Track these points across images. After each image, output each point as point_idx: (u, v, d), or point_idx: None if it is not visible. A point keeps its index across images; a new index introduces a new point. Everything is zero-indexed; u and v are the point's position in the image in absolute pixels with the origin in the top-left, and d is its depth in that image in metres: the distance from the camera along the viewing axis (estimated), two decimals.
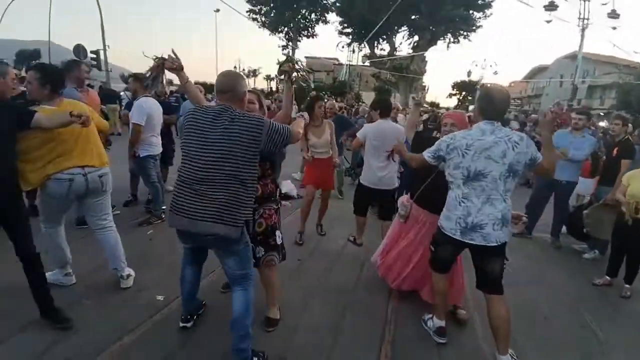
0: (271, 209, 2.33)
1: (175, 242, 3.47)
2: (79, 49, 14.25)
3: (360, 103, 17.77)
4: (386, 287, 2.98)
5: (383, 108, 3.61)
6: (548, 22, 18.28)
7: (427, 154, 2.23)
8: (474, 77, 26.81)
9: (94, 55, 15.72)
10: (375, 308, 2.71)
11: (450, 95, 39.86)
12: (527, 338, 2.50)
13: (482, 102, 2.10)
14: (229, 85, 1.92)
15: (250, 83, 50.59)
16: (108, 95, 12.08)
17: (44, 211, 2.58)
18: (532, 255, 4.07)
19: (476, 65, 25.67)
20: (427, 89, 51.05)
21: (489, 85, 2.17)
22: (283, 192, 5.49)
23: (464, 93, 32.08)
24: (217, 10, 27.84)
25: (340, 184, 5.67)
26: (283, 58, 2.45)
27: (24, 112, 2.18)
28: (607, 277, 3.39)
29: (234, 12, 20.43)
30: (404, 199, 2.88)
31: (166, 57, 2.20)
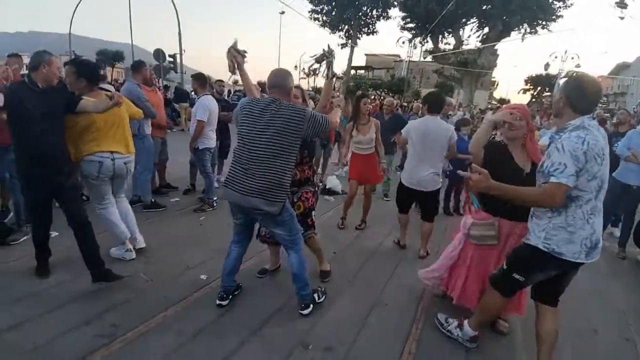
0: (309, 192, 2.67)
1: (223, 228, 3.87)
2: (159, 53, 15.83)
3: (416, 100, 17.16)
4: (418, 287, 2.91)
5: (432, 102, 3.36)
6: (621, 18, 17.07)
7: (568, 180, 1.60)
8: (552, 71, 24.14)
9: (172, 59, 17.38)
10: (405, 307, 2.66)
11: (524, 90, 36.46)
12: (571, 350, 2.32)
13: (572, 92, 1.73)
14: (279, 81, 2.25)
15: (310, 82, 51.79)
16: (181, 95, 13.36)
17: (90, 193, 3.04)
18: (593, 265, 3.61)
19: (555, 57, 23.06)
20: (497, 85, 47.27)
21: (580, 73, 1.88)
22: (327, 187, 5.60)
23: (539, 88, 29.07)
24: (282, 13, 28.77)
25: (386, 189, 5.57)
26: (335, 56, 2.59)
27: (73, 98, 2.59)
28: None
29: (297, 13, 21.05)
30: (470, 219, 2.37)
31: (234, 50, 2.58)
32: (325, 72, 2.56)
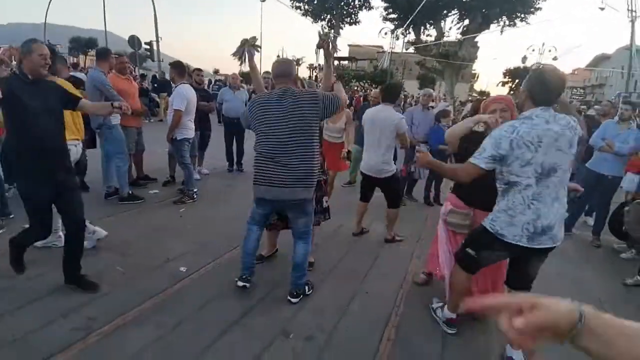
0: (321, 180, 2.80)
1: (203, 220, 3.83)
2: (134, 40, 15.22)
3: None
4: (399, 275, 2.99)
5: (385, 92, 3.53)
6: (601, 9, 17.76)
7: (480, 161, 1.78)
8: (530, 64, 24.74)
9: (148, 47, 16.78)
10: (385, 294, 2.72)
11: (503, 83, 37.31)
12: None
13: (534, 85, 1.79)
14: (287, 70, 2.34)
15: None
16: (162, 85, 12.84)
17: None
18: (567, 253, 3.80)
19: (533, 50, 23.63)
20: (477, 77, 48.15)
21: (541, 66, 1.91)
22: None
23: (517, 81, 29.82)
24: (264, 0, 28.13)
25: (354, 171, 5.55)
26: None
27: (71, 96, 2.45)
28: (638, 277, 3.18)
29: (279, 2, 20.63)
30: (449, 207, 2.48)
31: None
32: (325, 55, 2.54)
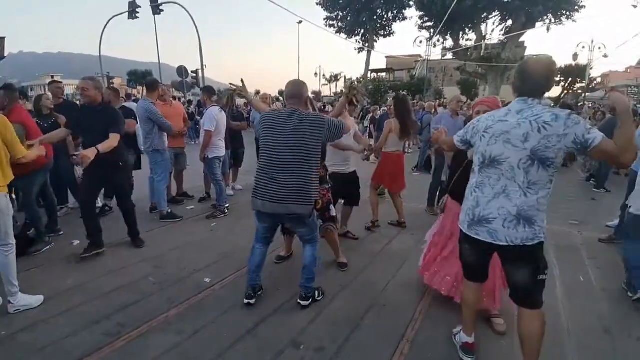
0: (324, 189, 2.95)
1: (232, 233, 4.00)
2: (182, 70, 16.58)
3: (438, 100, 16.83)
4: (420, 289, 2.88)
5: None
6: (634, 7, 16.27)
7: (456, 137, 2.03)
8: (582, 61, 22.83)
9: (194, 75, 18.14)
10: (403, 308, 2.63)
11: (557, 82, 34.74)
12: (578, 350, 2.20)
13: (516, 76, 1.76)
14: (298, 92, 2.41)
15: (332, 87, 52.01)
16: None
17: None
18: (613, 262, 3.42)
19: (583, 47, 21.82)
20: None
21: (528, 57, 1.79)
22: None
23: (570, 79, 27.56)
24: (300, 22, 29.20)
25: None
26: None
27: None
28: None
29: (312, 24, 21.35)
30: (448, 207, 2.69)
31: (237, 85, 3.16)
32: (345, 100, 2.96)
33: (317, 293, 2.68)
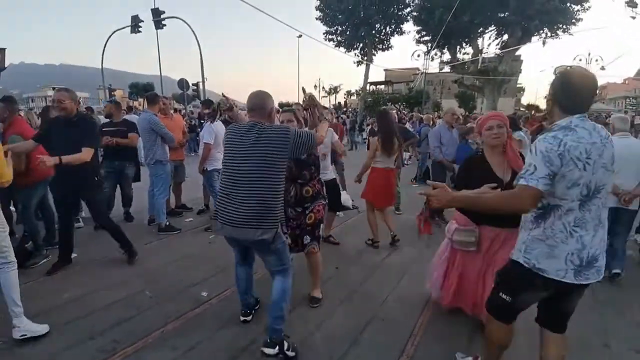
0: (320, 205, 2.75)
1: (230, 247, 3.98)
2: (183, 83, 16.77)
3: (436, 112, 17.01)
4: (419, 303, 2.85)
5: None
6: (633, 18, 16.61)
7: (537, 182, 1.44)
8: None
9: (195, 87, 18.33)
10: (402, 323, 2.60)
11: None
12: None
13: (559, 90, 1.55)
14: (258, 104, 2.18)
15: (332, 99, 52.49)
16: None
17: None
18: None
19: (580, 60, 22.16)
20: (523, 91, 45.93)
21: (568, 68, 1.67)
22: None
23: None
24: (300, 36, 29.64)
25: (397, 201, 5.49)
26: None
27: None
28: None
29: (311, 38, 21.67)
30: (454, 226, 2.44)
31: (222, 99, 3.15)
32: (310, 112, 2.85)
33: (287, 344, 2.17)
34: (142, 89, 38.63)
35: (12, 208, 4.32)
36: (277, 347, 2.14)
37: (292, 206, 2.68)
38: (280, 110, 3.19)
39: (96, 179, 3.40)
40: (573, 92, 1.51)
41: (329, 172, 3.97)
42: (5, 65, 9.73)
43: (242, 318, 2.54)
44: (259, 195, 2.00)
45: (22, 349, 2.25)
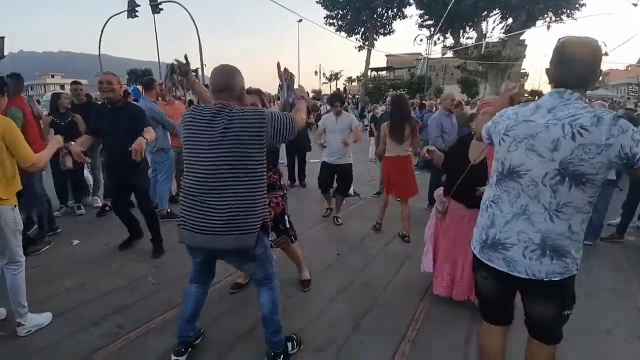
0: (278, 197, 2.48)
1: None
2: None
3: (437, 97, 16.80)
4: (421, 288, 2.86)
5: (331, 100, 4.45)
6: (635, 5, 16.24)
7: (484, 130, 1.58)
8: None
9: (194, 73, 18.09)
10: (403, 308, 2.61)
11: None
12: (578, 351, 2.17)
13: (552, 61, 1.36)
14: (224, 83, 1.76)
15: (332, 86, 51.74)
16: None
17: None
18: (614, 260, 3.42)
19: None
20: (527, 76, 45.27)
21: (564, 39, 1.35)
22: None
23: None
24: (300, 21, 29.04)
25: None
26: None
27: None
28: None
29: (312, 22, 21.28)
30: (440, 192, 2.76)
31: (179, 61, 2.33)
32: (285, 96, 2.35)
33: (290, 345, 2.09)
34: (141, 75, 38.24)
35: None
36: (282, 356, 2.02)
37: None
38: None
39: (144, 163, 3.41)
40: (563, 62, 1.31)
41: (345, 157, 4.22)
42: (5, 54, 9.58)
43: (173, 357, 2.00)
44: (236, 196, 1.63)
45: (25, 337, 2.26)
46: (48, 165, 3.49)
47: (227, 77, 1.77)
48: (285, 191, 2.60)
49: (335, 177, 4.39)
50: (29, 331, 2.29)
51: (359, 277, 3.09)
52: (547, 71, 1.39)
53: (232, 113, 1.65)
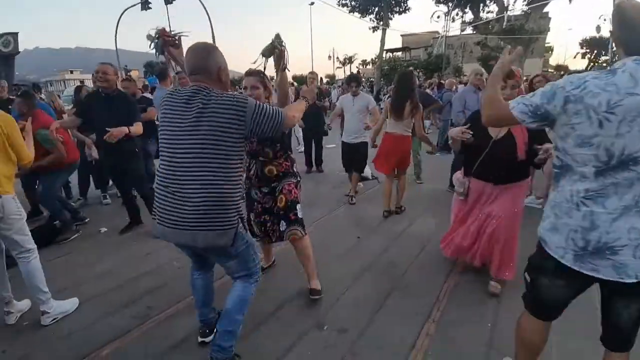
0: (290, 184, 2.38)
1: None
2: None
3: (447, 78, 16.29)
4: (443, 271, 2.82)
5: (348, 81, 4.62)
6: None
7: (519, 105, 1.29)
8: (605, 33, 21.34)
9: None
10: (427, 290, 2.58)
11: (582, 55, 32.84)
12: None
13: (620, 27, 1.21)
14: (197, 65, 1.60)
15: (346, 70, 50.69)
16: None
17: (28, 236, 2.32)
18: None
19: (604, 20, 20.32)
20: (552, 51, 43.09)
21: (622, 1, 1.23)
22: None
23: (595, 51, 26.00)
24: (312, 4, 28.49)
25: (419, 170, 5.36)
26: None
27: None
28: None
29: (327, 2, 20.78)
30: (459, 175, 2.68)
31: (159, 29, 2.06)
32: (276, 65, 2.08)
33: None
34: (158, 69, 38.78)
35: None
36: None
37: (256, 186, 2.40)
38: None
39: (136, 150, 3.51)
40: (629, 28, 1.19)
41: (360, 136, 4.34)
42: (19, 50, 9.80)
43: (199, 339, 2.05)
44: (209, 187, 1.50)
45: (57, 321, 2.33)
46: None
47: (200, 58, 1.60)
48: (298, 178, 2.48)
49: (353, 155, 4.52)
50: (54, 319, 2.27)
51: (380, 259, 3.07)
52: (615, 40, 1.25)
53: (209, 96, 1.51)
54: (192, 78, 1.61)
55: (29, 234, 2.24)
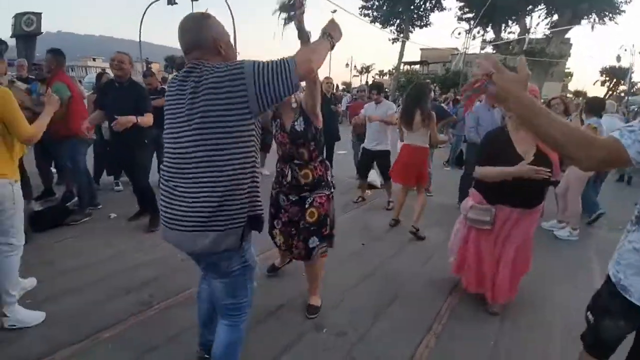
0: (322, 196, 2.17)
1: None
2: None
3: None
4: (448, 284, 2.78)
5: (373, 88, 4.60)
6: None
7: (627, 138, 1.00)
8: (624, 64, 21.09)
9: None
10: (429, 302, 2.56)
11: (601, 82, 32.47)
12: None
13: None
14: (190, 41, 1.34)
15: (362, 79, 50.83)
16: None
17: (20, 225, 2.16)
18: None
19: (625, 50, 20.20)
20: (571, 76, 42.69)
21: None
22: (367, 181, 5.53)
23: (614, 80, 25.75)
24: (334, 11, 28.75)
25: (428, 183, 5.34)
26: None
27: None
28: None
29: (346, 11, 20.98)
30: (472, 203, 2.40)
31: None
32: (298, 32, 1.71)
33: None
34: (179, 62, 39.45)
35: (53, 170, 4.59)
36: None
37: (286, 193, 2.24)
38: None
39: (145, 142, 3.51)
40: None
41: (381, 143, 4.43)
42: (42, 31, 9.88)
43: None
44: (208, 182, 1.26)
45: (63, 298, 2.38)
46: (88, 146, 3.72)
47: (191, 32, 1.33)
48: (332, 190, 2.26)
49: (375, 163, 4.66)
50: (12, 325, 2.05)
51: (383, 267, 3.06)
52: None
53: (201, 72, 1.25)
54: (188, 58, 1.35)
55: (21, 228, 2.07)
